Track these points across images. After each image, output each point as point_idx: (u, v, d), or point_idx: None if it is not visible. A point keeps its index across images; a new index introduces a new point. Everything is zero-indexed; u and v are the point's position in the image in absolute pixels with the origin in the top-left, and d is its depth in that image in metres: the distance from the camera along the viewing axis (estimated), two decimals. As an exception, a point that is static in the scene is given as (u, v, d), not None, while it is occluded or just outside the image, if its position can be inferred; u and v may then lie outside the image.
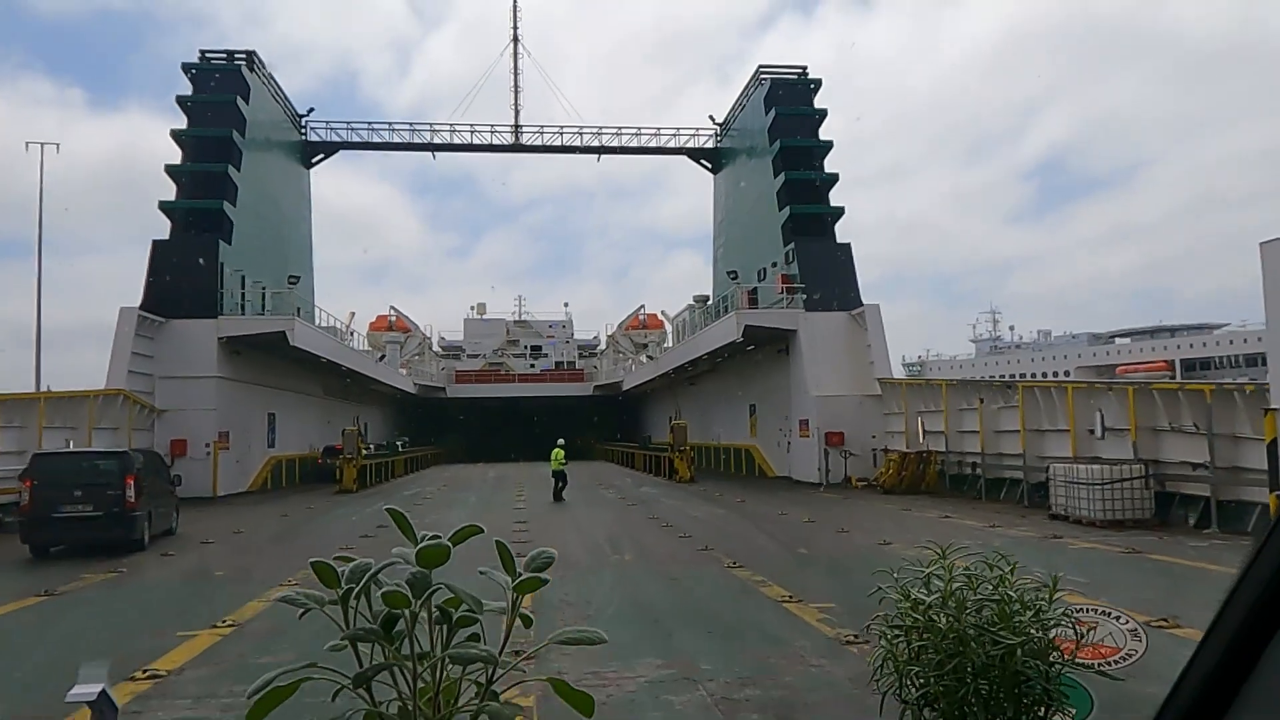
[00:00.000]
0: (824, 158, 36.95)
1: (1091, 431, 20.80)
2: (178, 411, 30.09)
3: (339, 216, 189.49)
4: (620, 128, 45.61)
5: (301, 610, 2.36)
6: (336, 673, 2.26)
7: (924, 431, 28.27)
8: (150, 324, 30.33)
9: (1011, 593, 4.04)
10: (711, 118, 45.84)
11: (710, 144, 46.41)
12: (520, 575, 2.46)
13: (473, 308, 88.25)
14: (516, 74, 53.80)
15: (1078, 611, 4.26)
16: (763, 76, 39.76)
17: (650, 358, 57.17)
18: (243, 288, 33.82)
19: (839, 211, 35.97)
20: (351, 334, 50.81)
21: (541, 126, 46.41)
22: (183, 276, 31.40)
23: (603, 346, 78.05)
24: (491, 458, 65.99)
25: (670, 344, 56.29)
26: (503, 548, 2.59)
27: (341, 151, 45.87)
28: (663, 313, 64.50)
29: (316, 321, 41.90)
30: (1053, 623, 4.00)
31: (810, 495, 27.85)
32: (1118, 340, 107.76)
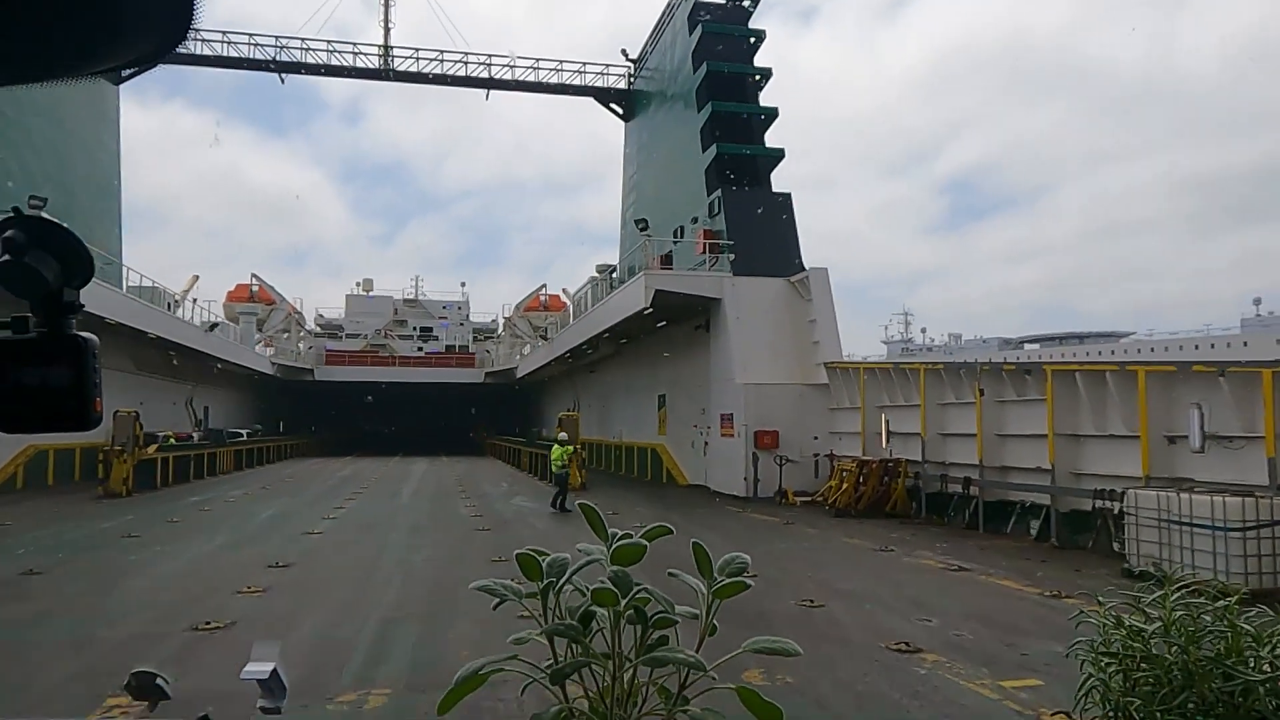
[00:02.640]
0: (760, 89, 29.22)
1: (1171, 440, 13.43)
2: None
3: (259, 196, 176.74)
4: (514, 57, 37.16)
5: (497, 600, 2.33)
6: (534, 666, 2.19)
7: (888, 433, 20.72)
8: None
9: (1245, 625, 3.71)
10: (624, 52, 37.77)
11: (623, 84, 38.32)
12: (718, 580, 2.30)
13: (358, 284, 78.22)
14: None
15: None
16: (687, -3, 31.90)
17: (544, 338, 48.88)
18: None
19: (777, 154, 28.28)
20: (187, 301, 40.99)
21: (416, 49, 37.50)
22: None
23: (501, 330, 69.26)
24: (368, 450, 56.83)
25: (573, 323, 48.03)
26: (699, 549, 2.43)
27: (174, 73, 36.01)
28: (564, 291, 56.19)
29: (124, 279, 32.53)
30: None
31: (735, 516, 20.03)
32: (1027, 346, 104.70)
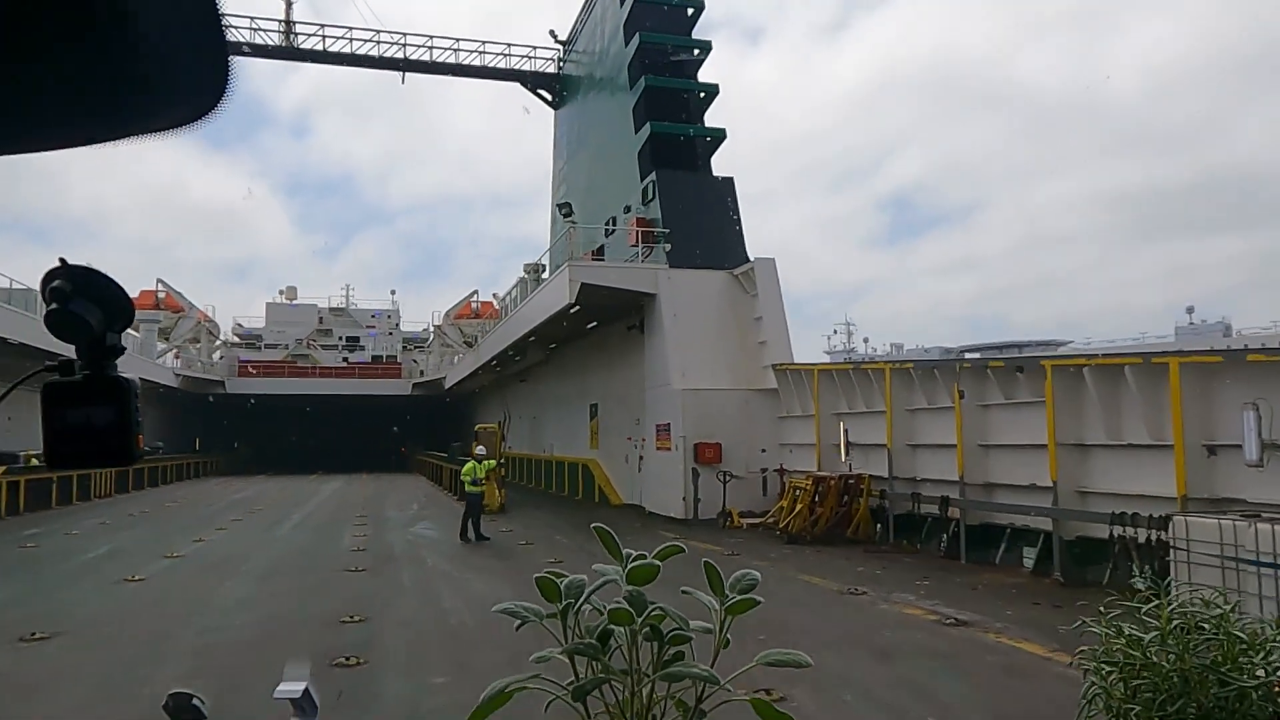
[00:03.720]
0: (700, 64, 26.19)
1: (1211, 451, 10.60)
2: None
3: (201, 210, 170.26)
4: (431, 37, 33.66)
5: (519, 621, 2.37)
6: (555, 684, 2.22)
7: (847, 445, 17.72)
8: None
9: (1238, 633, 3.89)
10: (552, 33, 34.52)
11: (552, 68, 35.07)
12: (730, 598, 2.33)
13: (281, 291, 73.47)
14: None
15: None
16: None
17: (469, 345, 45.33)
18: None
19: (718, 135, 25.24)
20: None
21: (323, 26, 33.81)
22: None
23: (431, 339, 65.24)
24: (286, 468, 52.38)
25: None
26: (711, 569, 2.45)
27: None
28: (495, 296, 52.67)
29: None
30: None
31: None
32: (967, 355, 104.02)
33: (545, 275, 32.61)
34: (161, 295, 55.02)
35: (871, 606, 10.66)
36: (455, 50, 33.84)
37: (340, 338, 69.04)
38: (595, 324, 26.67)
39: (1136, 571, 10.35)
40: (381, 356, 65.74)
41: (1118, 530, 11.19)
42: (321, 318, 70.50)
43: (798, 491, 17.79)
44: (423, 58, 33.56)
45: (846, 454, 17.61)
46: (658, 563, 2.47)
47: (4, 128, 0.79)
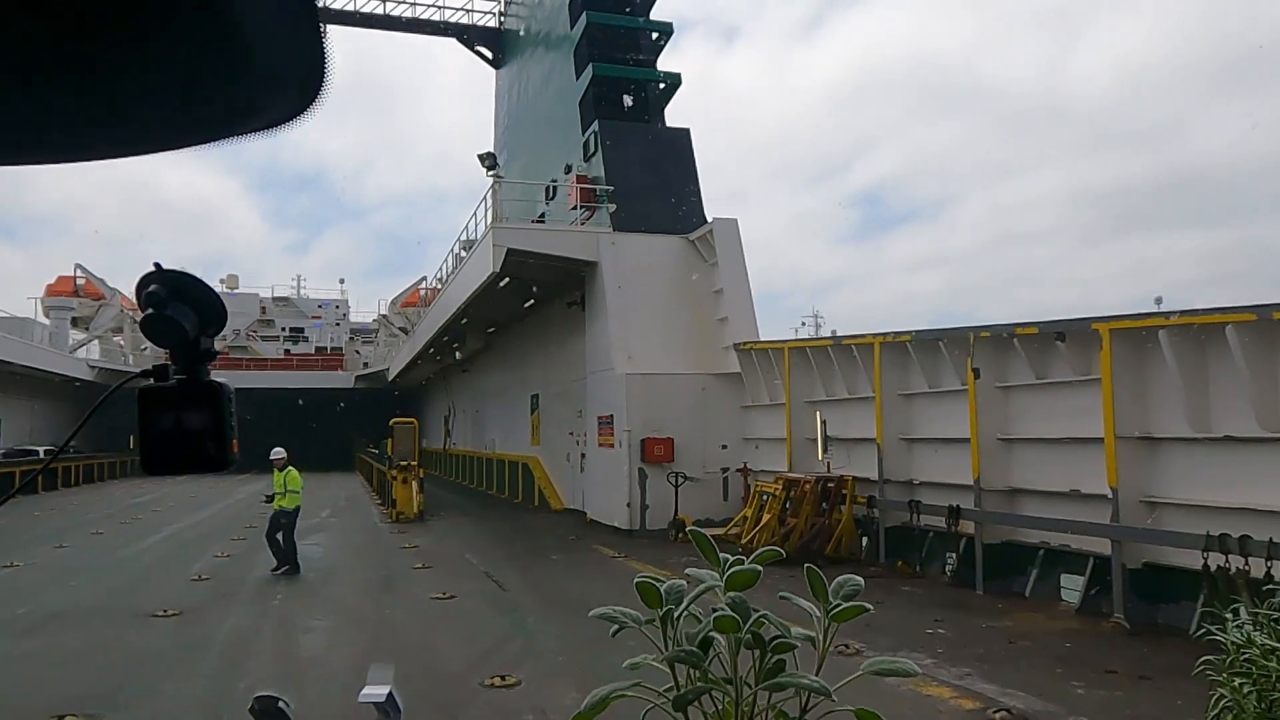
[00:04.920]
0: (652, 2, 22.47)
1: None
2: None
3: (171, 205, 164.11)
4: (356, -17, 29.64)
5: (616, 628, 2.29)
6: (656, 692, 2.16)
7: (825, 440, 14.21)
8: None
9: None
10: (492, -18, 30.64)
11: (492, 22, 31.23)
12: (836, 605, 2.24)
13: (221, 280, 68.84)
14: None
15: None
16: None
17: (403, 330, 41.43)
18: None
19: (672, 80, 21.56)
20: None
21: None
22: None
23: (378, 329, 61.07)
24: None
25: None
26: (814, 574, 2.35)
27: None
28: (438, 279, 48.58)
29: None
30: None
31: (603, 566, 13.22)
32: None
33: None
34: (81, 281, 50.36)
35: (872, 685, 7.14)
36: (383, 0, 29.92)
37: (284, 328, 64.72)
38: (533, 302, 22.98)
39: (1244, 615, 6.90)
40: (326, 348, 61.50)
41: (1218, 558, 7.76)
42: (265, 308, 66.10)
43: (765, 497, 14.27)
44: (347, 7, 29.60)
45: (825, 451, 14.10)
46: (758, 568, 2.27)
47: (106, 131, 0.77)
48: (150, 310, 1.13)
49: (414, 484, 20.58)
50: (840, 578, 2.34)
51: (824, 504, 13.50)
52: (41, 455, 36.36)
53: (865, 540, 13.26)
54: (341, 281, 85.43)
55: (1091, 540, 9.36)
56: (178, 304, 1.15)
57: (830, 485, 13.51)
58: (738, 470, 16.84)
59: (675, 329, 18.26)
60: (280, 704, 1.81)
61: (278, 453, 12.86)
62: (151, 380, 1.20)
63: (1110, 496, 8.98)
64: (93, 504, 26.34)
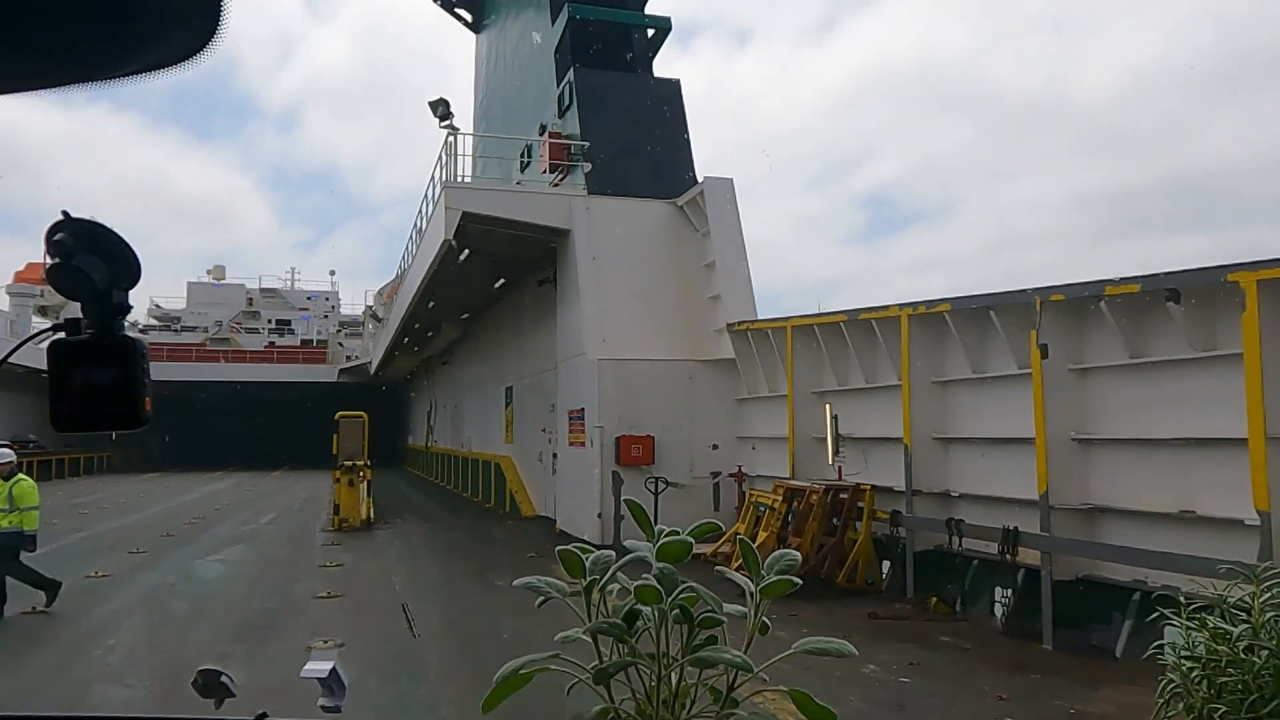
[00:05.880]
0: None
1: None
2: None
3: (184, 201, 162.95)
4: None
5: (541, 599, 2.09)
6: (578, 665, 1.94)
7: (836, 439, 11.35)
8: None
9: None
10: (470, -64, 27.76)
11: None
12: (766, 579, 2.04)
13: (207, 271, 66.25)
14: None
15: None
16: None
17: (375, 318, 38.66)
18: None
19: (661, 25, 18.67)
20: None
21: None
22: None
23: (365, 321, 58.36)
24: (196, 464, 45.52)
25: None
26: (745, 546, 2.07)
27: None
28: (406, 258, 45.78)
29: None
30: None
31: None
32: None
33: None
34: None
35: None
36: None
37: (270, 320, 62.05)
38: (503, 282, 20.19)
39: None
40: (312, 341, 58.77)
41: None
42: (251, 299, 63.48)
43: (762, 510, 11.45)
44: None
45: (836, 453, 11.26)
46: (690, 540, 2.06)
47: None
48: (57, 260, 1.08)
49: (361, 487, 17.80)
50: (778, 551, 2.10)
51: (835, 520, 10.67)
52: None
53: (887, 567, 10.42)
54: (332, 273, 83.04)
55: (1214, 581, 6.50)
56: (86, 254, 1.09)
57: (843, 496, 10.68)
58: (731, 475, 14.02)
59: (658, 308, 15.43)
60: (223, 678, 1.82)
61: (3, 455, 9.38)
62: (64, 335, 1.13)
63: (1258, 523, 6.13)
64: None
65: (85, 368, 1.12)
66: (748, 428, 14.39)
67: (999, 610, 8.63)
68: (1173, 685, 4.05)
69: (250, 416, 53.42)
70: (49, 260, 1.09)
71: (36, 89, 0.81)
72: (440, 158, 16.46)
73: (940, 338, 9.91)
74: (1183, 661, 4.02)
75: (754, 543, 7.71)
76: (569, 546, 2.13)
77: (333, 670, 1.81)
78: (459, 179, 15.81)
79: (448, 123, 16.00)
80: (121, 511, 21.71)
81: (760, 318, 14.13)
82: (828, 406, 11.41)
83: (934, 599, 9.50)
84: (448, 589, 11.08)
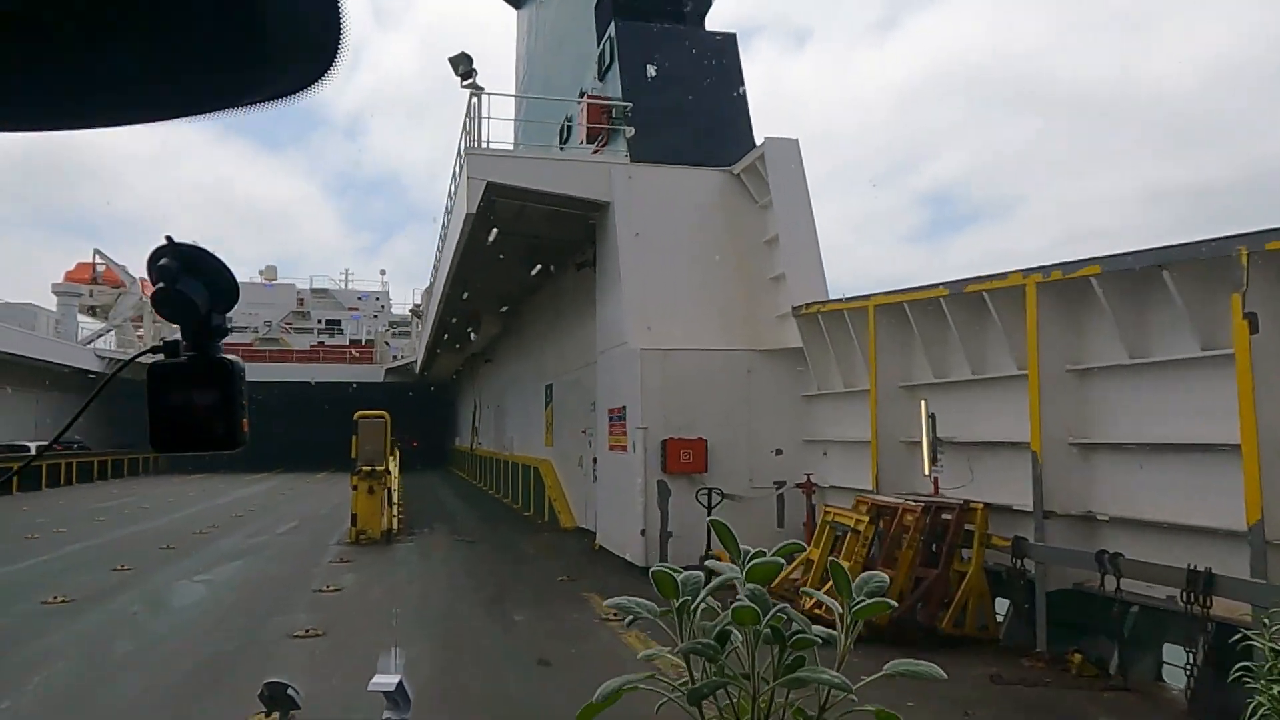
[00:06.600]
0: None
1: None
2: None
3: (252, 209, 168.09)
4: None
5: (630, 618, 2.20)
6: (671, 684, 2.06)
7: (934, 444, 9.07)
8: None
9: None
10: (510, -96, 25.90)
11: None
12: (859, 601, 2.11)
13: (260, 271, 65.90)
14: None
15: None
16: None
17: (415, 314, 37.10)
18: None
19: (714, -27, 16.51)
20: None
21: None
22: None
23: (413, 320, 57.21)
24: (238, 466, 44.67)
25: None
26: (838, 568, 2.19)
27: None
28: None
29: None
30: None
31: (592, 635, 8.27)
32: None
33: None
34: (101, 268, 47.38)
35: None
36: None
37: (320, 320, 61.37)
38: (540, 268, 18.20)
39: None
40: (361, 340, 57.80)
41: None
42: (302, 299, 62.90)
43: (841, 532, 9.20)
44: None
45: (933, 461, 8.98)
46: (781, 560, 2.15)
47: (122, 96, 0.75)
48: (161, 285, 1.10)
49: (382, 495, 15.97)
50: (866, 574, 2.14)
51: (936, 546, 8.39)
52: (33, 451, 33.08)
53: (1009, 610, 8.10)
54: (382, 273, 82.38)
55: None
56: (189, 279, 1.11)
57: (946, 517, 8.39)
58: (798, 486, 11.78)
59: (711, 290, 13.25)
60: (290, 690, 1.85)
61: None
62: (162, 356, 1.16)
63: None
64: (45, 509, 22.36)
65: (184, 390, 1.13)
66: (817, 429, 12.14)
67: (1188, 677, 6.26)
68: (1262, 709, 3.91)
69: (299, 417, 52.60)
70: (153, 284, 1.10)
71: (157, 120, 0.80)
72: (464, 125, 14.52)
73: (1080, 312, 7.56)
74: (1272, 684, 3.89)
75: (829, 561, 5.88)
76: (666, 569, 2.14)
77: (399, 684, 1.81)
78: (484, 145, 13.81)
79: (470, 82, 14.05)
80: (139, 518, 20.29)
81: (832, 298, 11.84)
82: (923, 403, 9.12)
83: (1076, 656, 7.15)
84: (455, 624, 9.09)
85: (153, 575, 12.02)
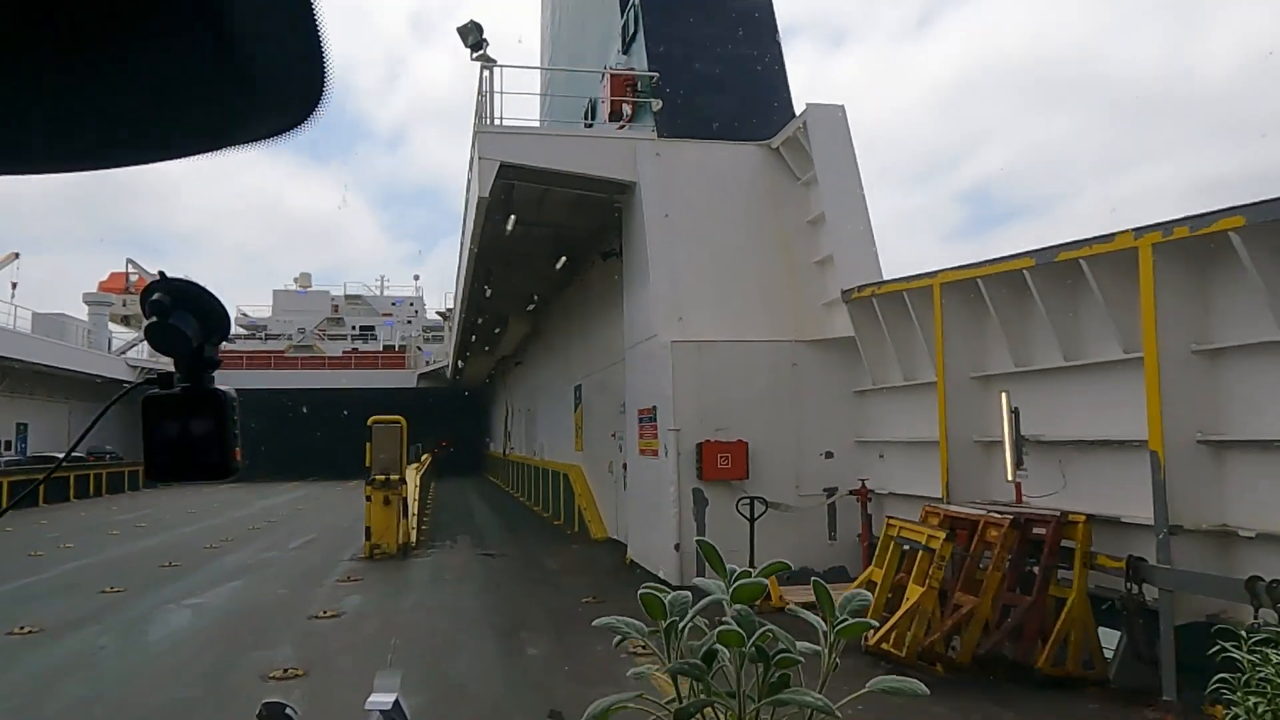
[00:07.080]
0: None
1: None
2: None
3: (297, 221, 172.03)
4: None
5: (619, 638, 2.23)
6: (659, 704, 2.08)
7: (1019, 445, 7.63)
8: None
9: None
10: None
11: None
12: (841, 620, 2.13)
13: (295, 279, 65.74)
14: None
15: None
16: None
17: (441, 315, 36.10)
18: None
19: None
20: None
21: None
22: None
23: (445, 325, 56.44)
24: (272, 473, 44.07)
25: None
26: (820, 587, 2.25)
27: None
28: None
29: None
30: None
31: (615, 673, 7.00)
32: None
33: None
34: (134, 278, 47.23)
35: None
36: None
37: (353, 327, 60.94)
38: (566, 260, 16.99)
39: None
40: (394, 346, 57.15)
41: None
42: (336, 306, 62.61)
43: (908, 549, 7.79)
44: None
45: (1018, 465, 7.55)
46: (764, 581, 2.20)
47: (98, 138, 0.75)
48: (154, 319, 1.12)
49: (398, 506, 14.84)
50: (849, 592, 2.20)
51: (1028, 566, 6.97)
52: (62, 460, 32.77)
53: (1122, 643, 6.65)
54: (416, 278, 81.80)
55: None
56: (181, 312, 1.13)
57: (1040, 532, 6.97)
58: (852, 494, 10.39)
59: (749, 276, 11.91)
60: (288, 710, 1.78)
61: None
62: (156, 388, 1.18)
63: None
64: (60, 523, 21.64)
65: (178, 420, 1.15)
66: (873, 429, 10.73)
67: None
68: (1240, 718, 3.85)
69: (331, 424, 52.04)
70: (145, 319, 1.11)
71: (138, 163, 0.81)
72: (476, 103, 13.32)
73: (1211, 279, 6.10)
74: (1248, 697, 3.88)
75: (901, 600, 4.45)
76: (653, 590, 2.18)
77: (396, 703, 1.74)
78: (496, 122, 12.60)
79: (480, 53, 12.85)
80: (152, 532, 19.41)
81: (888, 278, 10.42)
82: (1004, 396, 7.70)
83: (1217, 709, 5.70)
84: (459, 662, 7.84)
85: (140, 599, 10.96)
